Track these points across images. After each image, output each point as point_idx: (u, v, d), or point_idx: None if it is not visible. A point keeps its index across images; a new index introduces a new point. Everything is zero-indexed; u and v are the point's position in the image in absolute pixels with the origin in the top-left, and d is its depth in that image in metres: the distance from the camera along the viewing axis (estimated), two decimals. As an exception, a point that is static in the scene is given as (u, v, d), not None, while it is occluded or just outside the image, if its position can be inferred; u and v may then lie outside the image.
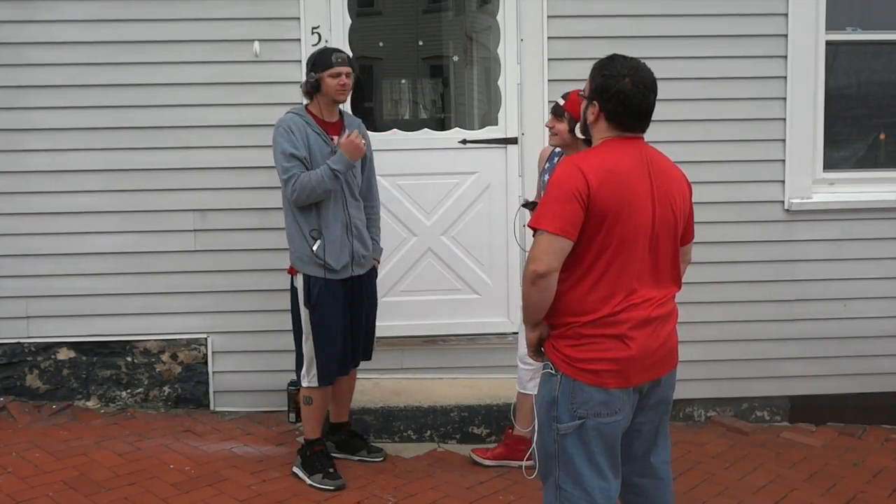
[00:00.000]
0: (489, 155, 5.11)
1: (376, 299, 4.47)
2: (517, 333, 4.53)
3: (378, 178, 4.99)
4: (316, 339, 4.14)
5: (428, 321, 5.14)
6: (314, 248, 4.08)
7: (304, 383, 4.20)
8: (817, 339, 5.22)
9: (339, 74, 4.09)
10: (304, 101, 4.23)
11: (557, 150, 4.17)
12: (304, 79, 4.22)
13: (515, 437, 4.39)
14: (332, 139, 4.13)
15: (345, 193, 4.14)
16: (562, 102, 3.99)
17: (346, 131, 4.13)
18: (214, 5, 4.84)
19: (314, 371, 4.16)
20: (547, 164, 4.20)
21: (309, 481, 4.15)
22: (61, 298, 4.98)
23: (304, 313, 4.15)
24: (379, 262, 4.52)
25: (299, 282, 4.15)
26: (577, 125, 2.97)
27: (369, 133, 4.49)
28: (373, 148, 4.90)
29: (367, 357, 4.49)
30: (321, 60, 4.12)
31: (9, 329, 5.01)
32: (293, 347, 4.29)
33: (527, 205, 4.14)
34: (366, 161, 4.31)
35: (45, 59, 4.83)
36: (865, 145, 5.37)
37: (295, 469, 4.25)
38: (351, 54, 4.37)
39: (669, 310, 2.87)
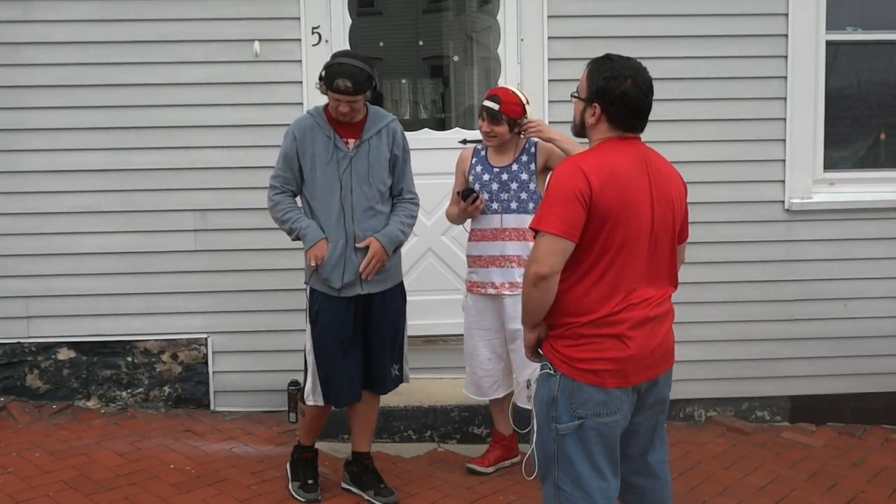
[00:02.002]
0: (489, 155, 5.12)
1: (392, 324, 3.97)
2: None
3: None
4: (317, 356, 3.90)
5: (428, 321, 5.13)
6: (313, 262, 3.84)
7: (310, 402, 3.95)
8: (817, 339, 5.22)
9: (337, 101, 3.73)
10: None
11: (479, 146, 4.28)
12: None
13: (503, 435, 4.42)
14: (346, 142, 3.83)
15: (352, 203, 3.82)
16: (496, 107, 4.05)
17: (365, 137, 3.83)
18: (214, 5, 4.84)
19: (319, 390, 3.91)
20: (474, 160, 4.26)
21: (289, 486, 4.12)
22: (61, 298, 4.98)
23: (308, 328, 3.94)
24: (382, 246, 3.85)
25: (307, 294, 3.95)
26: (571, 126, 2.94)
27: (406, 133, 4.04)
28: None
29: (377, 387, 4.03)
30: (326, 78, 3.71)
31: (9, 329, 5.01)
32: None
33: (462, 192, 4.13)
34: (397, 162, 3.95)
35: (43, 59, 4.83)
36: (866, 145, 5.37)
37: (287, 465, 4.22)
38: (375, 79, 3.80)
39: (667, 309, 2.87)
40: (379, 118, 3.93)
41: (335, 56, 3.83)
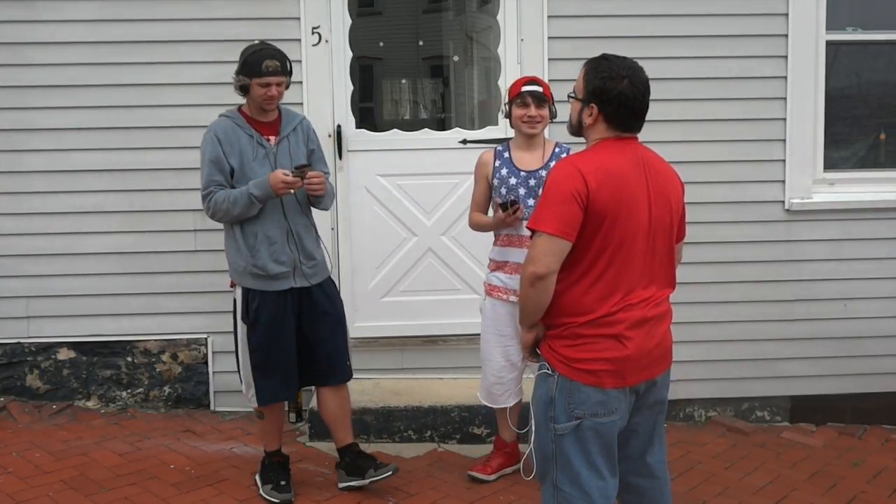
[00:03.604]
0: (489, 155, 5.12)
1: (336, 313, 4.03)
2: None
3: (378, 177, 5.04)
4: (252, 355, 3.91)
5: (428, 321, 5.14)
6: (251, 251, 3.83)
7: (249, 397, 4.01)
8: (817, 339, 5.22)
9: (267, 85, 3.75)
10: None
11: (500, 147, 4.13)
12: (235, 74, 3.83)
13: (506, 443, 4.37)
14: (268, 140, 3.87)
15: (282, 199, 3.83)
16: (541, 89, 3.98)
17: (283, 134, 3.89)
18: (214, 5, 4.85)
19: (252, 390, 3.96)
20: (497, 162, 4.08)
21: (261, 491, 4.09)
22: (61, 298, 4.98)
23: (241, 329, 3.93)
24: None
25: (238, 294, 3.93)
26: (567, 126, 2.95)
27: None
28: (369, 147, 4.94)
29: (339, 378, 4.06)
30: (251, 65, 3.74)
31: (9, 329, 5.01)
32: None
33: (504, 203, 3.94)
34: (312, 156, 4.01)
35: (46, 60, 4.84)
36: (865, 145, 5.37)
37: (256, 476, 4.19)
38: (290, 64, 3.86)
39: (665, 310, 2.88)
40: (292, 117, 4.02)
41: (248, 48, 3.84)
